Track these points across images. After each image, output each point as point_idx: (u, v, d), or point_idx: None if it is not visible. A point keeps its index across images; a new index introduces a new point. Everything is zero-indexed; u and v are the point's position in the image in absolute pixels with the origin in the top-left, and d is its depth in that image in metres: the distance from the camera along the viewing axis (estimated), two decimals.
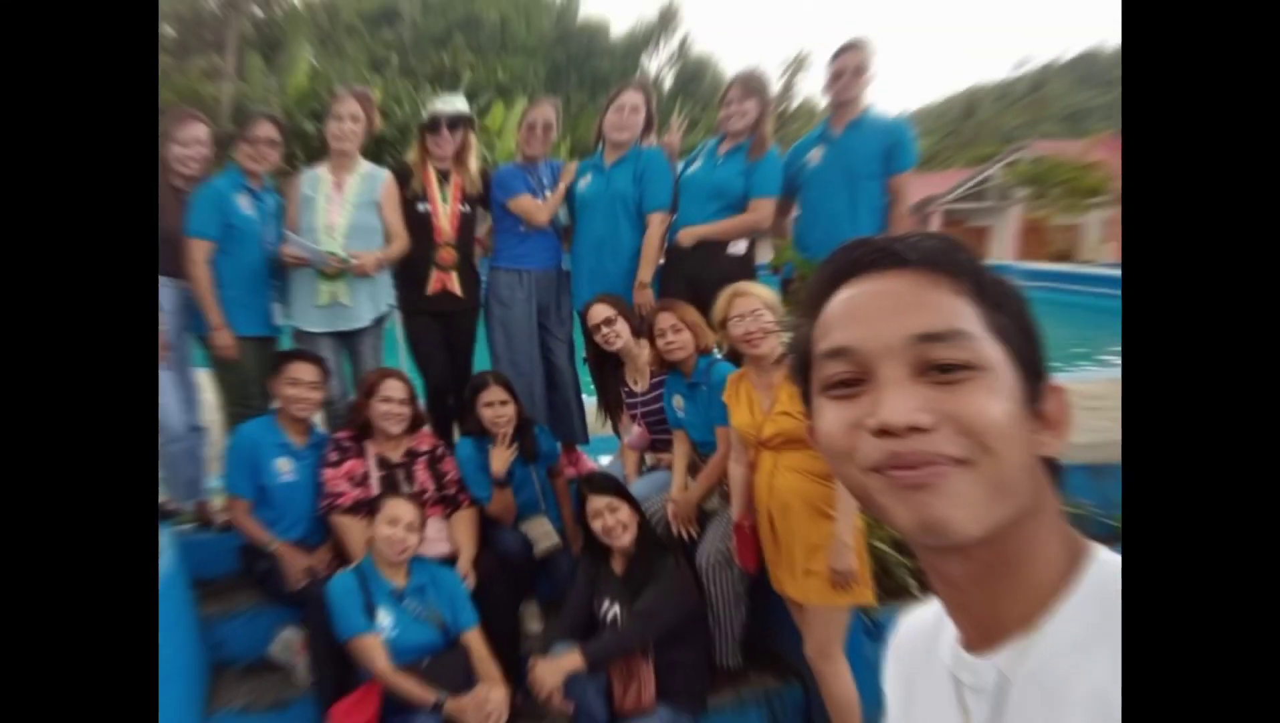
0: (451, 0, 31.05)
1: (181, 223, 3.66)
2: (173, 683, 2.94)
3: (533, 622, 3.62)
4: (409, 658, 2.98)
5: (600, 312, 3.65)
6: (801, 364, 0.73)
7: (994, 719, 0.68)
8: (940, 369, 0.64)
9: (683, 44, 34.97)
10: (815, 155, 4.07)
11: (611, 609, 3.12)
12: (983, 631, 0.70)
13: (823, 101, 4.25)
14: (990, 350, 0.65)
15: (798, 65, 38.87)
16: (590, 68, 31.36)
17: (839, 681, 2.85)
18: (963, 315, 0.65)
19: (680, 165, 4.20)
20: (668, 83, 33.91)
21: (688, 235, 3.93)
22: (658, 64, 34.88)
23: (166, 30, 28.12)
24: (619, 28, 36.01)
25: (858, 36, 3.98)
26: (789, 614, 3.06)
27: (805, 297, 0.74)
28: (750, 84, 3.95)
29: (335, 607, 2.98)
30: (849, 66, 3.93)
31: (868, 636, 3.06)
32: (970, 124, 48.34)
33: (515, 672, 3.15)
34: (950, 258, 0.68)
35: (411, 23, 29.99)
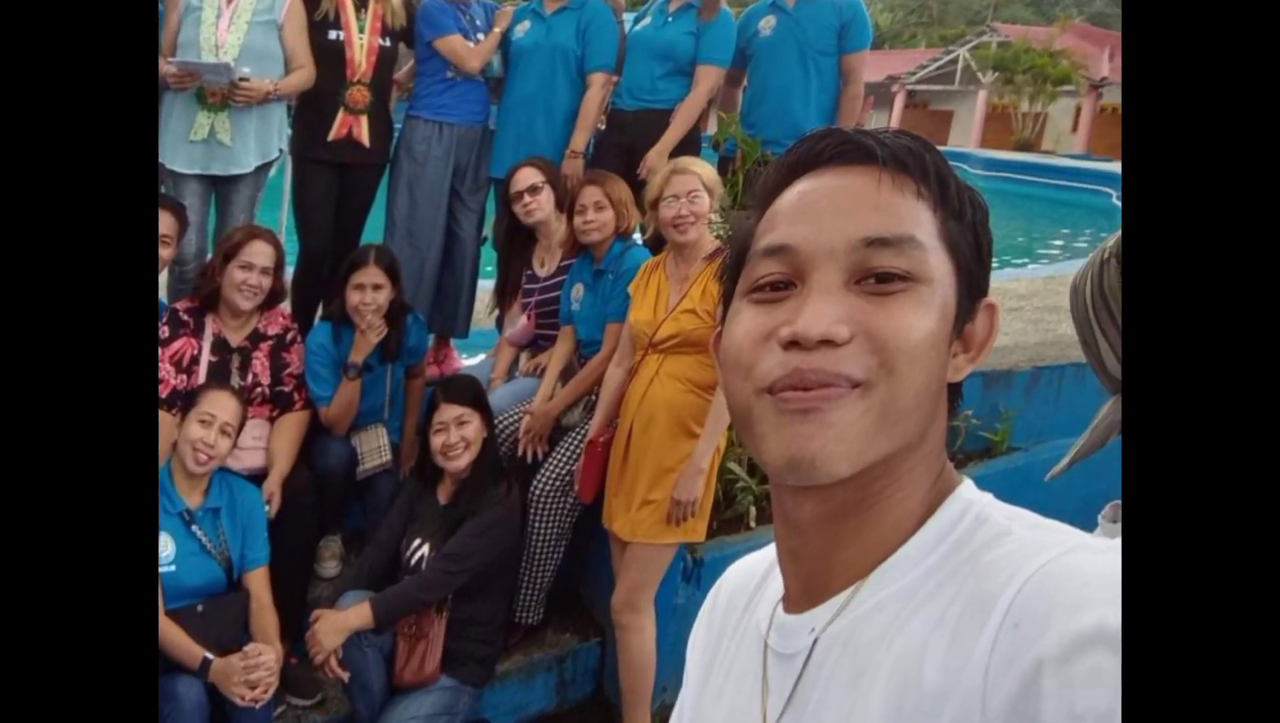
0: None
1: None
2: None
3: (330, 562, 2.70)
4: (186, 601, 2.12)
5: (527, 176, 2.75)
6: (736, 260, 0.57)
7: (793, 692, 0.51)
8: (878, 278, 0.49)
9: None
10: (767, 25, 3.22)
11: (420, 550, 2.35)
12: (808, 584, 0.54)
13: None
14: (936, 262, 0.50)
15: None
16: None
17: (640, 636, 2.33)
18: (919, 222, 0.50)
19: (628, 21, 3.30)
20: None
21: (657, 158, 2.93)
22: None
23: None
24: None
25: None
26: (604, 561, 2.51)
27: (759, 187, 0.57)
28: None
29: None
30: None
31: (685, 579, 2.56)
32: (936, 1, 42.78)
33: (297, 624, 2.34)
34: (919, 160, 0.51)
35: None
